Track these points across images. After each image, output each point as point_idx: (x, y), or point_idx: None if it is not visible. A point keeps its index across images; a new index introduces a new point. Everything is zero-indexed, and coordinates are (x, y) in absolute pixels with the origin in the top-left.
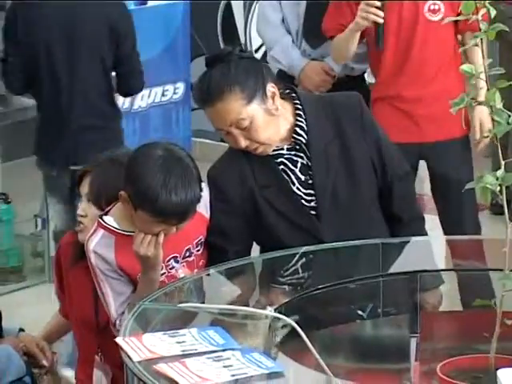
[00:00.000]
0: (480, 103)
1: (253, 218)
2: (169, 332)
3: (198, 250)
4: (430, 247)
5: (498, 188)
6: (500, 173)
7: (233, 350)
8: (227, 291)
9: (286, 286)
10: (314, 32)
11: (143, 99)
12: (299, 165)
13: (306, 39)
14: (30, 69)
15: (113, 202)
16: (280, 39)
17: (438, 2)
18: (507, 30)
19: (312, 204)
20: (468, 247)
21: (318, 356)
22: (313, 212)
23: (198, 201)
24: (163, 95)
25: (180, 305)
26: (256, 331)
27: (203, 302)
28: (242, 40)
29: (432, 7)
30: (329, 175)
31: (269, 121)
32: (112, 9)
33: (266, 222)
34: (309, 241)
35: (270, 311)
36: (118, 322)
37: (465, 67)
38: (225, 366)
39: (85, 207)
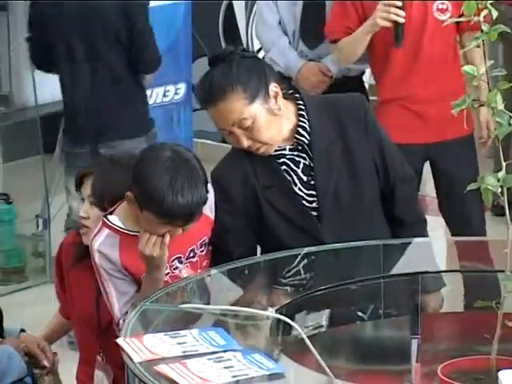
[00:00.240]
0: (482, 104)
1: (255, 217)
2: (170, 333)
3: (202, 251)
4: (431, 248)
5: (500, 189)
6: (501, 174)
7: (234, 351)
8: (231, 294)
9: (288, 287)
10: (310, 33)
11: None
12: (301, 165)
13: (302, 40)
14: (51, 47)
15: (115, 203)
16: (277, 41)
17: (446, 2)
18: (509, 31)
19: (314, 205)
20: (472, 248)
21: (318, 357)
22: (314, 213)
23: (205, 203)
24: (165, 96)
25: (181, 306)
26: (257, 332)
27: (205, 303)
28: (244, 40)
29: (440, 6)
30: (331, 176)
31: (271, 121)
32: None
33: (267, 222)
34: (309, 242)
35: (271, 312)
36: (121, 321)
37: (466, 68)
38: (226, 367)
39: (87, 209)
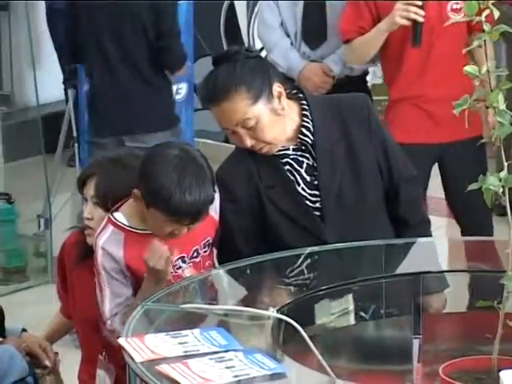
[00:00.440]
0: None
1: (258, 217)
2: (171, 333)
3: (206, 252)
4: (434, 249)
5: (501, 189)
6: (503, 174)
7: (235, 350)
8: (233, 294)
9: (291, 287)
10: (312, 34)
11: None
12: (305, 165)
13: (304, 41)
14: (79, 41)
15: (119, 203)
16: (278, 42)
17: (460, 2)
18: (511, 31)
19: (317, 205)
20: (479, 248)
21: (320, 357)
22: (317, 213)
23: (212, 201)
24: None
25: (182, 306)
26: (259, 332)
27: (207, 303)
28: (245, 40)
29: (454, 6)
30: (334, 176)
31: (275, 120)
32: None
33: (270, 221)
34: (312, 242)
35: (272, 312)
36: (109, 322)
37: (468, 68)
38: (227, 367)
39: (91, 210)
